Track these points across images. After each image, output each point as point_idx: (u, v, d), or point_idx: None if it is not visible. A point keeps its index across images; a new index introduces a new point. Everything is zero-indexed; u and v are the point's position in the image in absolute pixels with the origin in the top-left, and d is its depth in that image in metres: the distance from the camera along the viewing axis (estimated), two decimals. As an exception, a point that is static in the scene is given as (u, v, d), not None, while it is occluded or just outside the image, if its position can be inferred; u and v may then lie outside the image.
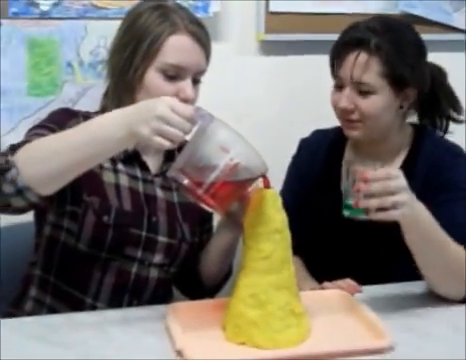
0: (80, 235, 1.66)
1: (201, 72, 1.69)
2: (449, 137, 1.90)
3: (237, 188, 1.44)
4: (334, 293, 1.67)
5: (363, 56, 1.73)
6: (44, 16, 2.18)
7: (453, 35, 2.50)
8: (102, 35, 2.18)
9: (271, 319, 1.46)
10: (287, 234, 1.51)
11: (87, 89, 2.24)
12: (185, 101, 1.57)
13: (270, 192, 1.49)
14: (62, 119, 1.66)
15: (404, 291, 1.73)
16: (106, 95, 1.75)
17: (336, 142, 1.94)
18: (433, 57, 2.45)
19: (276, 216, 1.49)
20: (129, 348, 1.47)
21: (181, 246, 1.75)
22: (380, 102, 1.76)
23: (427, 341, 1.50)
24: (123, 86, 1.68)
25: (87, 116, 1.69)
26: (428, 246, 1.58)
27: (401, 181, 1.49)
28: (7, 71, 2.18)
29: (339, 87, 1.79)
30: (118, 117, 1.43)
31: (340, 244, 1.84)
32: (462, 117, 1.91)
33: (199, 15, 2.22)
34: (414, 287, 1.75)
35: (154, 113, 1.37)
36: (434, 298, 1.68)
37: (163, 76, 1.64)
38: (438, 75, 1.89)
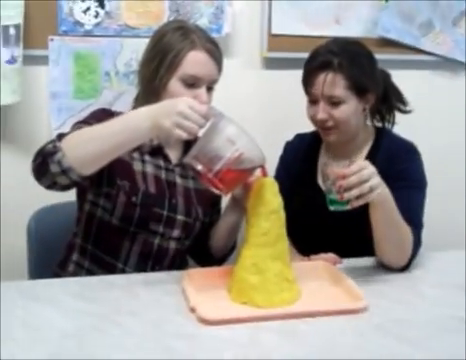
0: (113, 212, 1.66)
1: (214, 81, 1.69)
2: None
3: (240, 175, 1.43)
4: (319, 264, 1.65)
5: (330, 75, 1.74)
6: (88, 34, 2.17)
7: (421, 56, 2.47)
8: (134, 50, 2.16)
9: (268, 284, 1.45)
10: (282, 215, 1.50)
11: (121, 94, 2.22)
12: None
13: (269, 180, 1.48)
14: (101, 117, 1.64)
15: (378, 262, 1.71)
16: (136, 99, 1.75)
17: (313, 143, 1.94)
18: (404, 74, 2.46)
19: (273, 199, 1.48)
20: (151, 305, 1.46)
21: (195, 224, 1.75)
22: (349, 109, 1.77)
23: (396, 305, 1.48)
24: (150, 92, 1.67)
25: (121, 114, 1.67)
26: (389, 222, 1.58)
27: (371, 168, 1.50)
28: (57, 78, 2.17)
29: (313, 102, 1.80)
30: (146, 111, 1.45)
31: (321, 225, 1.83)
32: (409, 107, 1.92)
33: (213, 35, 2.21)
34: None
35: (175, 109, 1.39)
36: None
37: (183, 84, 1.64)
38: (386, 77, 1.90)
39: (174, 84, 1.64)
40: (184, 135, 1.39)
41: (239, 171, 1.41)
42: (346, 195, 1.48)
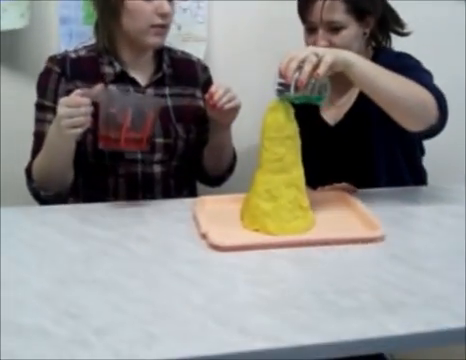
0: (86, 151, 1.64)
1: None
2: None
3: (148, 119, 1.47)
4: (334, 193, 1.61)
5: (328, 0, 1.66)
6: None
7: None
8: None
9: (281, 211, 1.40)
10: (297, 141, 1.44)
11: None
12: (163, 16, 1.59)
13: (283, 103, 1.41)
14: (45, 83, 1.67)
15: (394, 193, 1.67)
16: (96, 27, 1.70)
17: None
18: (425, 3, 2.36)
19: (288, 124, 1.42)
20: (162, 231, 1.43)
21: (177, 143, 1.70)
22: (350, 34, 1.69)
23: (412, 234, 1.45)
24: (108, 13, 1.62)
25: (63, 58, 1.69)
26: (380, 79, 1.45)
27: (308, 49, 1.43)
28: (66, 3, 2.08)
29: (311, 30, 1.71)
30: (53, 130, 1.50)
31: (328, 158, 1.80)
32: (406, 30, 1.82)
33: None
34: (402, 191, 1.70)
35: (58, 115, 1.45)
36: (419, 200, 1.64)
37: None
38: None
39: None
40: (79, 130, 1.44)
41: (139, 125, 1.46)
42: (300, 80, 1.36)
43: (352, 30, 1.70)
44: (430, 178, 1.90)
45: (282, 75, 1.39)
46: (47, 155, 1.56)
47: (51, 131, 1.52)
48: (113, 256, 1.30)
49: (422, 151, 1.89)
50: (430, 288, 1.20)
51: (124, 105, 1.43)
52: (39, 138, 1.62)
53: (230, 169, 1.80)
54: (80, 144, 1.60)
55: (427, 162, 1.90)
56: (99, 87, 1.47)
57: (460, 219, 1.50)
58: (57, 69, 1.66)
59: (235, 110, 1.58)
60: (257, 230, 1.41)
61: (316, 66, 1.37)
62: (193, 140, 1.74)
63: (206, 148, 1.75)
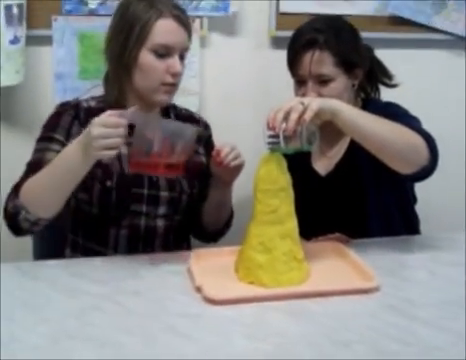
0: (91, 201, 1.62)
1: (186, 49, 1.64)
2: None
3: (181, 151, 1.43)
4: (328, 243, 1.61)
5: (317, 53, 1.68)
6: (92, 13, 2.12)
7: (434, 35, 2.39)
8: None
9: (276, 263, 1.40)
10: (291, 192, 1.45)
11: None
12: (175, 75, 1.59)
13: (276, 155, 1.42)
14: (57, 121, 1.64)
15: (388, 243, 1.66)
16: (106, 79, 1.70)
17: None
18: (416, 54, 2.41)
19: (282, 177, 1.43)
20: (155, 285, 1.42)
21: (182, 197, 1.69)
22: (339, 86, 1.71)
23: (407, 284, 1.44)
24: (121, 68, 1.62)
25: (77, 104, 1.67)
26: (368, 124, 1.46)
27: (294, 99, 1.43)
28: (62, 59, 2.12)
29: (301, 83, 1.74)
30: (74, 148, 1.42)
31: (319, 208, 1.80)
32: (394, 81, 1.85)
33: (220, 14, 2.17)
34: (396, 240, 1.69)
35: (92, 136, 1.35)
36: (413, 249, 1.63)
37: (154, 55, 1.59)
38: (369, 52, 1.85)
39: (145, 56, 1.59)
40: (112, 152, 1.37)
41: (177, 153, 1.42)
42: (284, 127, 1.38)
43: (341, 82, 1.72)
44: (423, 225, 1.90)
45: (270, 127, 1.40)
46: (52, 177, 1.47)
47: (70, 151, 1.44)
48: (106, 311, 1.28)
49: (414, 199, 1.89)
50: (427, 339, 1.19)
51: (162, 130, 1.40)
52: (35, 165, 1.55)
53: (228, 224, 1.80)
54: (85, 193, 1.60)
55: (419, 209, 1.91)
56: (134, 109, 1.46)
57: (455, 268, 1.50)
58: (71, 112, 1.65)
59: (239, 168, 1.59)
60: (252, 282, 1.40)
61: (302, 114, 1.38)
62: (196, 196, 1.74)
63: (206, 203, 1.74)
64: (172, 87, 1.63)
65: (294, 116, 1.37)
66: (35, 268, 1.52)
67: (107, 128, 1.35)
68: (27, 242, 1.85)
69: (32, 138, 1.68)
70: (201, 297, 1.33)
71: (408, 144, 1.49)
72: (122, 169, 1.62)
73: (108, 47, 1.65)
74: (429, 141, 1.53)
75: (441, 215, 2.32)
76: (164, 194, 1.66)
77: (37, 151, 1.62)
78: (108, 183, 1.60)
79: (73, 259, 1.62)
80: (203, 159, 1.75)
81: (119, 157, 1.61)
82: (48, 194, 1.48)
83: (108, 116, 1.38)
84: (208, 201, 1.73)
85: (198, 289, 1.35)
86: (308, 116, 1.38)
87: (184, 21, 1.62)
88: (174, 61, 1.59)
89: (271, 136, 1.41)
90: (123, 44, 1.60)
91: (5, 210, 1.53)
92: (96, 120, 1.38)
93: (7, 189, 2.10)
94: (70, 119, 1.64)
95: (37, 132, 1.66)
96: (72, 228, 1.71)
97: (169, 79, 1.60)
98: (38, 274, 1.46)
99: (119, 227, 1.65)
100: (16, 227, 1.52)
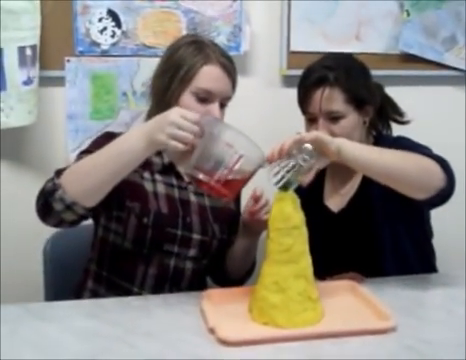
0: (125, 235, 1.61)
1: (228, 98, 1.64)
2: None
3: (242, 177, 1.39)
4: (343, 283, 1.58)
5: (327, 90, 1.69)
6: (104, 54, 2.13)
7: (444, 71, 2.39)
8: (152, 69, 2.09)
9: (290, 303, 1.38)
10: (304, 230, 1.43)
11: (139, 114, 2.17)
12: None
13: (289, 194, 1.41)
14: (103, 143, 1.59)
15: (404, 281, 1.63)
16: (149, 114, 1.70)
17: None
18: (427, 91, 2.40)
19: (295, 215, 1.41)
20: (168, 326, 1.39)
21: (212, 242, 1.68)
22: (349, 123, 1.71)
23: (425, 323, 1.41)
24: (162, 105, 1.61)
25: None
26: (375, 155, 1.46)
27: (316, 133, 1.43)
28: (74, 99, 2.13)
29: (312, 120, 1.73)
30: (139, 131, 1.41)
31: (333, 246, 1.77)
32: (406, 118, 1.85)
33: (231, 53, 2.16)
34: (411, 279, 1.66)
35: (167, 120, 1.36)
36: (429, 287, 1.60)
37: (195, 98, 1.59)
38: (380, 89, 1.84)
39: (186, 98, 1.60)
40: (180, 145, 1.36)
41: (241, 174, 1.37)
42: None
43: (352, 119, 1.71)
44: (439, 260, 1.87)
45: (269, 162, 1.40)
46: (105, 157, 1.43)
47: (131, 134, 1.43)
48: (118, 353, 1.26)
49: (431, 232, 1.86)
50: (446, 381, 1.16)
51: (238, 146, 1.35)
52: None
53: (249, 273, 1.78)
54: (120, 225, 1.59)
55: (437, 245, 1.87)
56: (210, 116, 1.45)
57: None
58: None
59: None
60: (266, 323, 1.38)
61: (298, 140, 1.38)
62: (225, 241, 1.73)
63: (232, 250, 1.73)
64: None
65: (288, 140, 1.38)
66: (43, 309, 1.50)
67: (185, 120, 1.36)
68: (38, 281, 1.84)
69: (44, 178, 1.68)
70: (214, 338, 1.30)
71: (419, 167, 1.48)
72: (159, 208, 1.62)
73: (153, 83, 1.67)
74: (442, 162, 1.52)
75: (458, 250, 2.29)
76: (196, 237, 1.66)
77: (80, 154, 1.60)
78: (145, 220, 1.59)
79: (87, 300, 1.59)
80: (233, 207, 1.75)
81: (156, 195, 1.62)
82: (94, 176, 1.42)
83: (190, 112, 1.39)
84: (234, 248, 1.72)
85: (211, 330, 1.33)
86: (306, 136, 1.39)
87: (230, 70, 1.63)
88: (214, 107, 1.59)
89: (275, 173, 1.40)
90: (168, 83, 1.61)
91: (42, 189, 1.48)
92: (177, 108, 1.40)
93: (22, 231, 2.10)
94: None
95: (50, 173, 1.66)
96: (98, 260, 1.68)
97: None
98: (46, 315, 1.44)
99: (148, 265, 1.63)
100: (48, 207, 1.45)
